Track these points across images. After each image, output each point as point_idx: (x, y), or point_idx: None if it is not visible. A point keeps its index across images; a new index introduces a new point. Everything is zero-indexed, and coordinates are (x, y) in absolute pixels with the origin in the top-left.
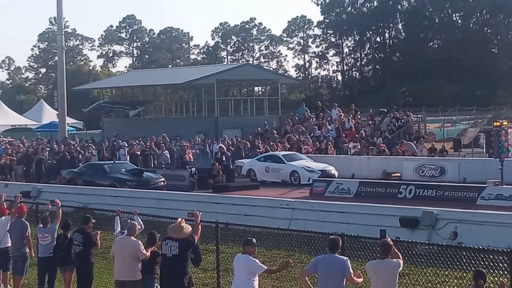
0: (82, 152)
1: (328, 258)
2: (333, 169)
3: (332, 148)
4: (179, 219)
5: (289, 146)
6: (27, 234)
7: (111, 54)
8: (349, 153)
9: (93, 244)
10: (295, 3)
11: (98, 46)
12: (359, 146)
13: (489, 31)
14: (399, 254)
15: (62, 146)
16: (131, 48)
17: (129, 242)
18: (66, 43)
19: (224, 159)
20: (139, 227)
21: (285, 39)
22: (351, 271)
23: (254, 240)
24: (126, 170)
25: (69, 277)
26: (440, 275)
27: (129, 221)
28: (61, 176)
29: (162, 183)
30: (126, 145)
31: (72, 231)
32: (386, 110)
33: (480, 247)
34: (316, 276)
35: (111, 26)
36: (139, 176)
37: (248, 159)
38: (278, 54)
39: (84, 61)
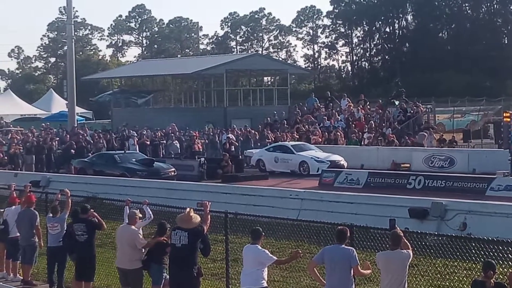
0: (92, 141)
1: (335, 248)
2: (343, 159)
3: (342, 139)
4: (188, 209)
5: (298, 136)
6: (36, 224)
7: (120, 44)
8: (362, 143)
9: (98, 226)
10: None
11: (107, 36)
12: (372, 137)
13: (499, 21)
14: (409, 245)
15: (68, 136)
16: (140, 38)
17: (128, 230)
18: (76, 33)
19: (233, 149)
20: (146, 217)
21: (294, 29)
22: (358, 262)
23: (260, 229)
24: (136, 160)
25: None
26: (449, 266)
27: (137, 211)
28: (70, 165)
29: (172, 173)
30: (136, 134)
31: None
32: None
33: (489, 238)
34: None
35: (121, 15)
36: (149, 166)
37: (257, 149)
38: (287, 44)
39: (94, 50)
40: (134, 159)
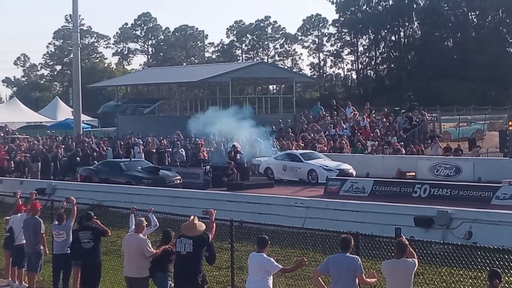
0: (97, 149)
1: (339, 257)
2: (351, 168)
3: (348, 147)
4: (192, 217)
5: (303, 144)
6: (41, 231)
7: (126, 52)
8: (366, 151)
9: (103, 233)
10: (310, 2)
11: (113, 44)
12: (376, 145)
13: (504, 30)
14: (414, 253)
15: (74, 143)
16: (146, 45)
17: (136, 239)
18: (82, 41)
19: (238, 157)
20: (151, 225)
21: (300, 37)
22: (363, 271)
23: (266, 237)
24: (142, 168)
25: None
26: (455, 274)
27: (143, 218)
28: (76, 173)
29: (178, 181)
30: (141, 142)
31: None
32: (402, 109)
33: (495, 247)
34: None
35: (126, 23)
36: (155, 174)
37: (265, 157)
38: (293, 52)
39: (99, 58)
40: (139, 167)
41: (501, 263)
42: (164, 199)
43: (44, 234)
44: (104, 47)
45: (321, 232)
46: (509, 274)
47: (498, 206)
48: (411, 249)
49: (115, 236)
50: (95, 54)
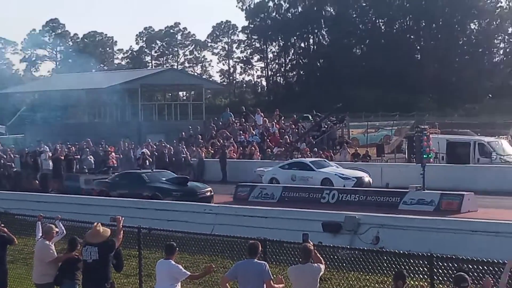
0: (4, 156)
1: (247, 263)
2: (367, 176)
3: (258, 153)
4: (95, 224)
5: (213, 151)
6: None
7: (34, 58)
8: (273, 157)
9: (10, 241)
10: (220, 8)
11: (20, 50)
12: (283, 150)
13: (412, 37)
14: (321, 259)
15: None
16: (54, 52)
17: (41, 245)
18: None
19: (147, 164)
20: (58, 231)
21: (209, 44)
22: (271, 277)
23: (174, 244)
24: (167, 179)
25: None
26: (362, 279)
27: (53, 226)
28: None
29: (209, 193)
30: (48, 149)
31: None
32: (310, 117)
33: (402, 252)
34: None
35: (34, 29)
36: (183, 185)
37: (269, 167)
38: (202, 59)
39: (7, 65)
40: (164, 178)
41: (407, 267)
42: (72, 207)
43: None
44: (11, 53)
45: (229, 239)
46: (414, 278)
47: (405, 211)
48: (318, 254)
49: (21, 244)
50: (2, 61)
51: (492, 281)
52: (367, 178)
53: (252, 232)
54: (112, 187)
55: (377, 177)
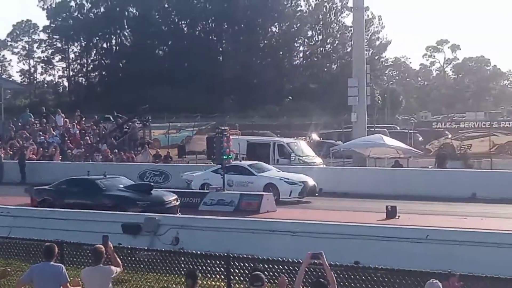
0: None
1: (43, 266)
2: (311, 180)
3: (58, 154)
4: None
5: (11, 152)
6: None
7: None
8: (73, 159)
9: None
10: (20, 7)
11: None
12: (82, 151)
13: (214, 39)
14: (119, 260)
15: None
16: None
17: None
18: None
19: None
20: None
21: (9, 43)
22: (67, 279)
23: None
24: (125, 187)
25: None
26: (161, 280)
27: None
28: None
29: (175, 202)
30: None
31: None
32: (111, 117)
33: (199, 252)
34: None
35: None
36: (147, 193)
37: (197, 172)
38: (2, 58)
39: None
40: (121, 185)
41: (204, 267)
42: None
43: None
44: None
45: (25, 242)
46: (211, 279)
47: (205, 212)
48: (115, 255)
49: None
50: None
51: (287, 280)
52: (311, 182)
53: (51, 235)
54: (58, 196)
55: (178, 177)
